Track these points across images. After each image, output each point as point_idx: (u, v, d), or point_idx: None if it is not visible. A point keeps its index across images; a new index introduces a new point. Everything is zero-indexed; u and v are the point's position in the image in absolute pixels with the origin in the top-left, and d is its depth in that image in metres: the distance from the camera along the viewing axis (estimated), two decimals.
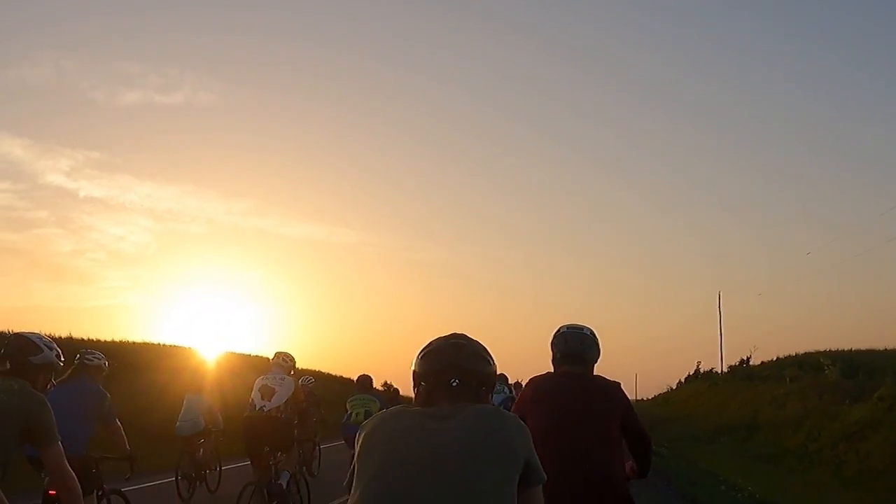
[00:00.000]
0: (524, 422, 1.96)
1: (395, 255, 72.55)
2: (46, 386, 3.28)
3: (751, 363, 36.40)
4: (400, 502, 1.62)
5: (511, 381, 12.76)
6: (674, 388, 45.55)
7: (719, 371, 40.87)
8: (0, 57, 50.47)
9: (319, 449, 11.94)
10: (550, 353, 3.33)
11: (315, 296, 67.46)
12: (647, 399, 57.16)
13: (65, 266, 46.69)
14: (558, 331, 3.31)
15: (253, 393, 6.75)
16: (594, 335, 3.30)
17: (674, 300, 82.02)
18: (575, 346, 3.23)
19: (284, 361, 7.02)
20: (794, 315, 65.09)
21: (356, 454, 1.78)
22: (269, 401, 6.59)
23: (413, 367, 1.93)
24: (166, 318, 45.19)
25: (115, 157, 58.27)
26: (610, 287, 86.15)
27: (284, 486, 6.75)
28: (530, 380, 3.30)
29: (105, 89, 55.11)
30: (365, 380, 9.55)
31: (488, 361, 1.91)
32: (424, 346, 1.94)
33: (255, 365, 24.73)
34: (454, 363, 1.85)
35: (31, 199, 48.65)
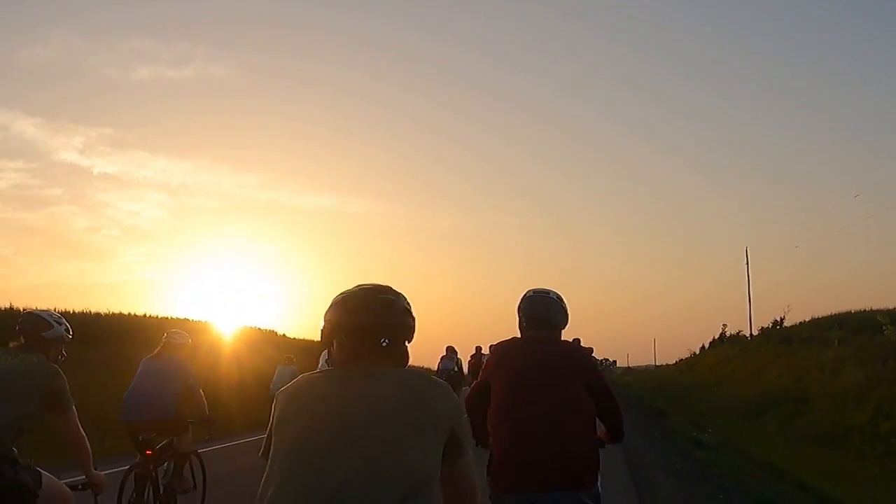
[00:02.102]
0: (489, 385, 2.95)
1: (406, 223, 71.63)
2: (58, 357, 3.53)
3: (784, 324, 33.30)
4: (320, 470, 1.54)
5: None
6: (697, 353, 42.56)
7: (748, 334, 37.76)
8: (12, 38, 51.77)
9: None
10: (517, 317, 3.20)
11: (327, 265, 67.57)
12: (669, 364, 54.37)
13: (81, 243, 47.93)
14: (524, 295, 3.22)
15: (320, 364, 7.24)
16: (561, 300, 3.22)
17: (695, 259, 77.92)
18: (541, 310, 3.16)
19: None
20: (835, 270, 60.27)
21: (274, 421, 1.70)
22: None
23: (330, 315, 1.78)
24: (183, 291, 45.18)
25: (128, 133, 58.36)
26: (623, 249, 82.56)
27: None
28: (495, 345, 3.22)
29: (116, 66, 55.65)
30: None
31: (413, 315, 1.84)
32: (345, 293, 1.80)
33: (270, 339, 24.33)
34: (386, 321, 1.75)
35: (45, 178, 51.66)
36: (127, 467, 5.11)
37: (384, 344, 1.72)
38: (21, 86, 51.83)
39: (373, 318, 1.73)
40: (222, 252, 53.00)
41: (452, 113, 75.55)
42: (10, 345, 3.41)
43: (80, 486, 3.48)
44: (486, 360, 3.21)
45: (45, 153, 49.62)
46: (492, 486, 2.85)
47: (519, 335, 3.19)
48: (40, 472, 3.25)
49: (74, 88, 56.29)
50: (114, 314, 19.78)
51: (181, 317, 23.34)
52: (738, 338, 37.95)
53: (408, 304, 1.83)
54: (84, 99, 57.85)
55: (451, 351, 16.85)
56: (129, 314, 20.53)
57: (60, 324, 3.53)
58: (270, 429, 1.68)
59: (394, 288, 1.83)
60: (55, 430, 3.37)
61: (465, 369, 17.56)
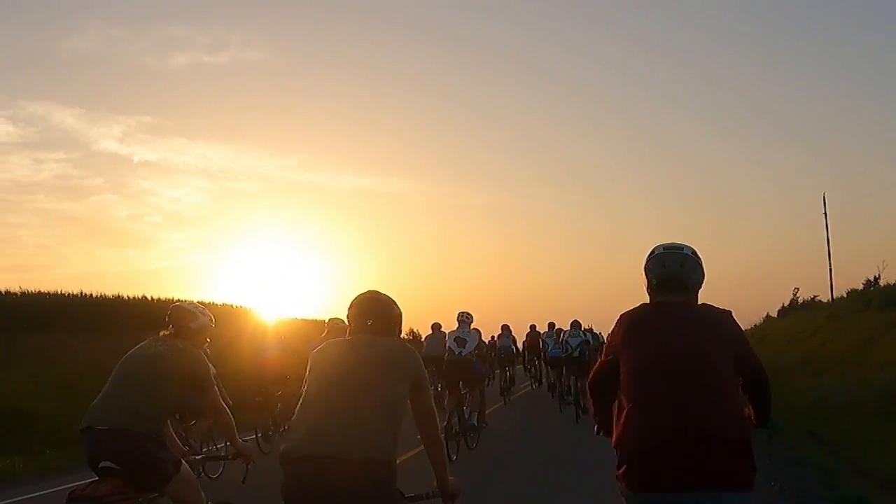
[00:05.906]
0: (617, 363, 2.73)
1: (447, 199, 68.98)
2: (204, 344, 4.08)
3: (880, 284, 26.92)
4: (329, 402, 2.77)
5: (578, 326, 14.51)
6: (759, 323, 36.26)
7: (828, 298, 31.39)
8: (49, 29, 50.84)
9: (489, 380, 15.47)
10: (645, 279, 2.91)
11: (371, 245, 68.68)
12: None
13: (123, 231, 47.91)
14: (652, 253, 2.88)
15: (449, 342, 10.03)
16: (696, 255, 2.85)
17: (752, 213, 68.21)
18: (674, 269, 2.80)
19: (467, 318, 10.37)
20: None
21: (308, 374, 2.95)
22: (464, 348, 9.76)
23: (347, 312, 3.14)
24: (226, 277, 47.57)
25: (167, 120, 60.77)
26: (665, 211, 75.61)
27: (475, 423, 9.90)
28: (621, 315, 2.89)
29: (153, 54, 58.59)
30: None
31: (391, 306, 3.13)
32: (354, 298, 3.14)
33: (320, 329, 23.29)
34: (368, 310, 3.07)
35: (86, 167, 50.13)
36: None
37: (369, 324, 3.02)
38: (59, 77, 51.15)
39: (361, 309, 3.07)
40: (264, 235, 53.85)
41: (488, 88, 71.19)
42: (161, 333, 3.93)
43: (229, 457, 4.03)
44: (611, 334, 2.90)
45: (85, 143, 48.54)
46: (625, 484, 2.52)
47: (648, 300, 2.88)
48: (181, 461, 3.76)
49: (112, 77, 58.33)
50: (151, 299, 21.25)
51: (225, 302, 24.19)
52: (815, 304, 31.61)
53: (390, 301, 3.13)
54: (122, 87, 59.57)
55: (506, 329, 17.62)
56: (156, 299, 21.38)
57: (205, 314, 4.06)
58: (305, 380, 2.90)
59: (380, 292, 3.16)
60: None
61: (521, 347, 18.68)
